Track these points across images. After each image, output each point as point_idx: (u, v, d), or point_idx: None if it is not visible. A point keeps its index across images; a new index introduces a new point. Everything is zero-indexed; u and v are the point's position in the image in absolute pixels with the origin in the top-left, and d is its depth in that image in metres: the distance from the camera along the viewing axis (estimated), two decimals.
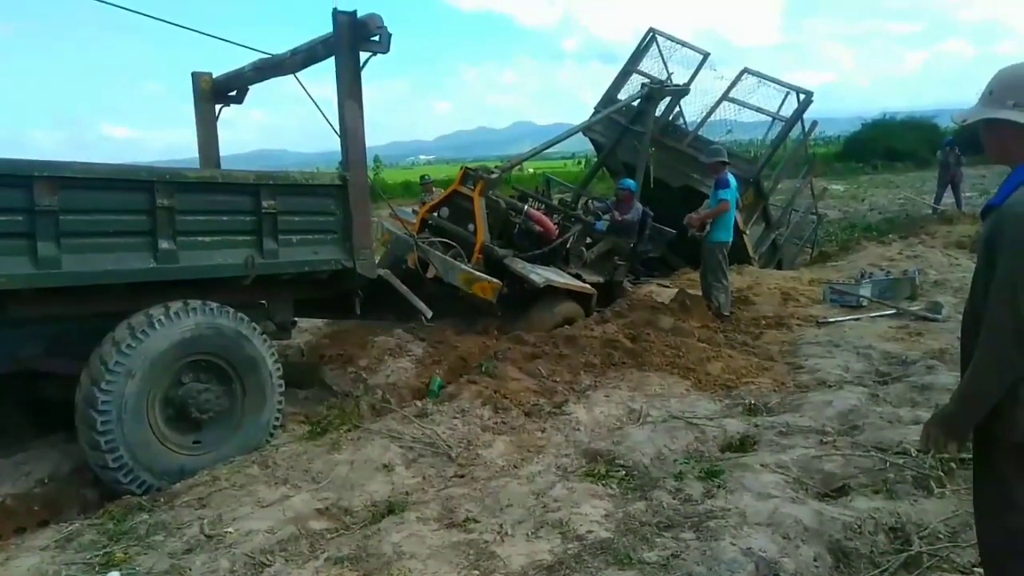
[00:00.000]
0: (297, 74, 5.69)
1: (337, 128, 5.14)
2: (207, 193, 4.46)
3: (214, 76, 6.47)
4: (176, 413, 4.26)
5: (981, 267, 2.06)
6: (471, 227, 7.27)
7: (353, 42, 5.05)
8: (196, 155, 6.65)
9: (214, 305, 4.39)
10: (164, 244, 4.19)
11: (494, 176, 7.50)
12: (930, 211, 16.77)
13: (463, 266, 6.81)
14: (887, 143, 37.03)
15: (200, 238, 4.39)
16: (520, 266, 7.06)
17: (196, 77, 6.47)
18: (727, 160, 8.22)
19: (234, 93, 6.55)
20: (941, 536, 3.13)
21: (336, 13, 5.01)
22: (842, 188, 24.85)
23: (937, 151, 18.68)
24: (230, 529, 3.44)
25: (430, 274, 6.86)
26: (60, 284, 3.91)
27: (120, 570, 3.16)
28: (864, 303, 8.13)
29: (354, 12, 5.01)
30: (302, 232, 4.87)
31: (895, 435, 4.20)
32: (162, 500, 3.86)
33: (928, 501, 3.43)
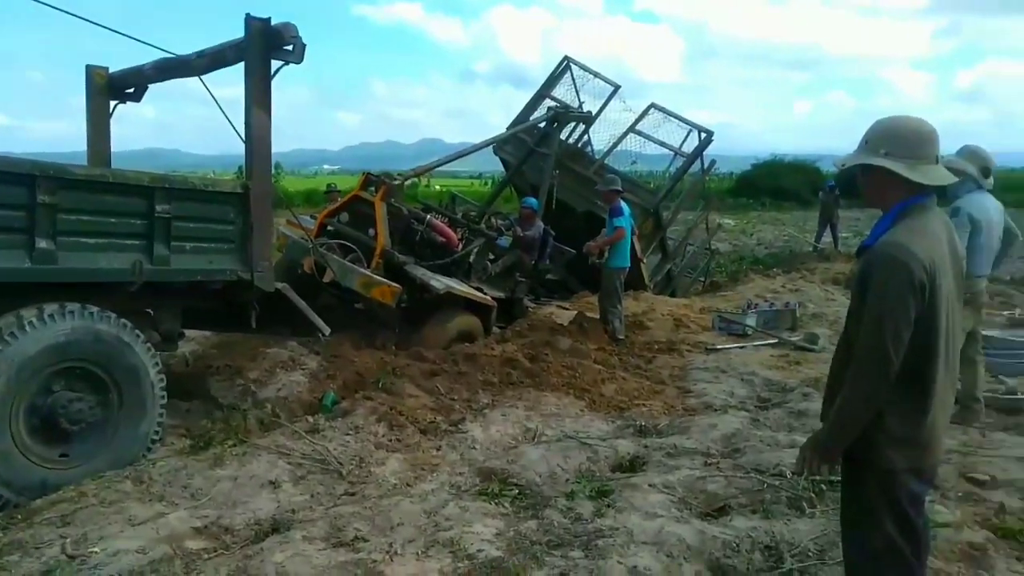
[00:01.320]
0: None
1: (243, 134, 4.96)
2: (95, 192, 4.20)
3: (110, 71, 6.13)
4: (42, 423, 3.97)
5: (855, 302, 2.21)
6: (371, 232, 7.11)
7: (265, 50, 4.89)
8: (81, 148, 6.26)
9: (94, 309, 4.12)
10: (42, 243, 3.90)
11: (397, 182, 7.40)
12: (811, 248, 17.89)
13: (362, 270, 6.64)
14: (775, 183, 39.44)
15: (84, 239, 4.13)
16: (420, 273, 6.95)
17: (90, 70, 6.08)
18: (621, 189, 8.53)
19: (132, 91, 6.21)
20: (811, 554, 3.30)
21: (249, 19, 4.84)
22: (733, 222, 26.14)
23: (819, 192, 19.97)
24: (95, 549, 3.21)
25: (327, 278, 6.62)
26: None
27: None
28: (749, 332, 8.56)
29: (268, 19, 4.86)
30: (197, 239, 4.66)
31: (773, 458, 4.42)
32: (20, 517, 3.58)
33: (800, 520, 3.62)
